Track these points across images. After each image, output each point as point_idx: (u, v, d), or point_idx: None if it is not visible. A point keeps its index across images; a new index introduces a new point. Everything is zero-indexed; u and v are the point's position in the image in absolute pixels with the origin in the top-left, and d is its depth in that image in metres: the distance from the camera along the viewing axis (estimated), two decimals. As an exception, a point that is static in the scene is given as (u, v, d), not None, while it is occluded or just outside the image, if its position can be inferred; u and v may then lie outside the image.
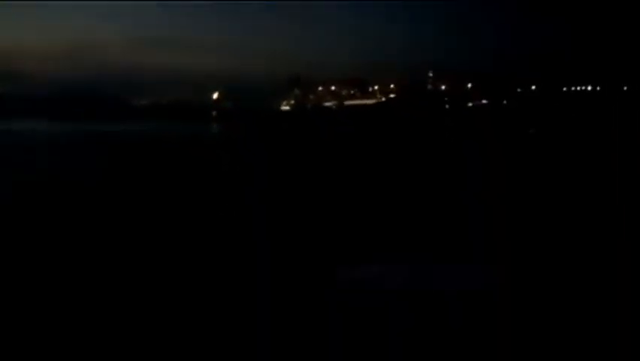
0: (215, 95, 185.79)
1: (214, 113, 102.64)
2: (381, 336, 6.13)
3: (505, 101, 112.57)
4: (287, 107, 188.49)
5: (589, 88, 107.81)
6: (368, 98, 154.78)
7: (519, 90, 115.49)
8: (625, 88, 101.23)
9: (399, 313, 6.41)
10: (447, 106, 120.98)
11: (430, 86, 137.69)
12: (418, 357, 5.98)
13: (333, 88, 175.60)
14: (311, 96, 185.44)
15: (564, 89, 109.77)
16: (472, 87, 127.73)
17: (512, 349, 5.87)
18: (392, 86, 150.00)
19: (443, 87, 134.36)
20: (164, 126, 57.55)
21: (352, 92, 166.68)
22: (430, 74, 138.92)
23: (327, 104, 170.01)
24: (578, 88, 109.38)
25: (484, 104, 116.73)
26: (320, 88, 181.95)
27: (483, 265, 7.69)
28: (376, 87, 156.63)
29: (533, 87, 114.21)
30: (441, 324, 6.29)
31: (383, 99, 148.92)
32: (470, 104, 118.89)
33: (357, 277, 7.22)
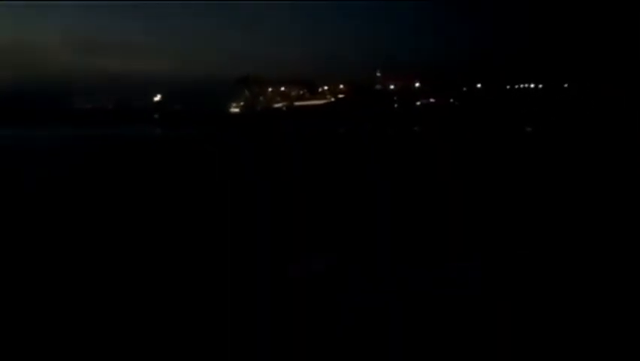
0: (156, 98, 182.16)
1: (156, 116, 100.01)
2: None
3: (451, 100, 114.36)
4: (237, 110, 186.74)
5: (532, 86, 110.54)
6: (317, 98, 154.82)
7: (464, 89, 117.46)
8: (565, 85, 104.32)
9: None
10: (395, 105, 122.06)
11: (378, 86, 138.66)
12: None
13: (282, 89, 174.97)
14: (261, 98, 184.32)
15: (507, 87, 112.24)
16: (420, 86, 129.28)
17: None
18: (341, 86, 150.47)
19: (392, 87, 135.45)
20: (109, 130, 55.88)
21: (302, 92, 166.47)
22: (378, 74, 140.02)
23: (277, 105, 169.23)
24: (522, 86, 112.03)
25: (432, 102, 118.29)
26: (270, 89, 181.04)
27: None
28: (326, 87, 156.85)
29: (478, 85, 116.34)
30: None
31: (332, 99, 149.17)
32: (418, 103, 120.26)
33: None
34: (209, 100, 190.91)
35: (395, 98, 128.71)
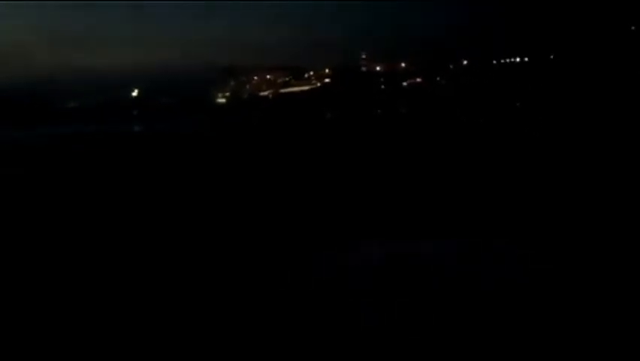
0: (134, 93, 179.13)
1: (135, 112, 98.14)
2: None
3: (438, 78, 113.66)
4: (223, 100, 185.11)
5: (517, 60, 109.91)
6: (303, 84, 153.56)
7: (451, 67, 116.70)
8: (551, 57, 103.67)
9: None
10: (382, 86, 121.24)
11: (364, 68, 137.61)
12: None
13: (268, 77, 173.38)
14: (247, 86, 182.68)
15: (494, 62, 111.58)
16: (405, 66, 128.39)
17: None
18: (327, 70, 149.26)
19: (378, 68, 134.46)
20: (98, 127, 54.80)
21: (287, 79, 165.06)
22: (363, 56, 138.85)
23: (264, 93, 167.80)
24: (508, 60, 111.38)
25: (419, 82, 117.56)
26: (255, 77, 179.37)
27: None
28: (311, 73, 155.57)
29: (465, 62, 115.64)
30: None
31: (318, 84, 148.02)
32: (405, 83, 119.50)
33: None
34: (195, 91, 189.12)
35: (381, 79, 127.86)
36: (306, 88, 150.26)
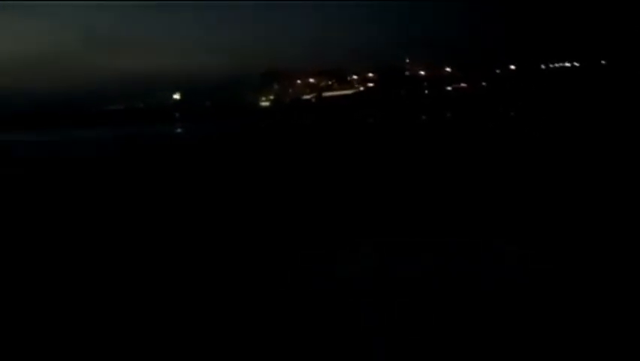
0: (176, 96, 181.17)
1: (177, 114, 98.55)
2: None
3: (483, 83, 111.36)
4: (266, 103, 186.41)
5: (567, 64, 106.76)
6: (346, 88, 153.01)
7: (497, 71, 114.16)
8: (603, 62, 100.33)
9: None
10: (426, 91, 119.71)
11: (407, 73, 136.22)
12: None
13: (311, 80, 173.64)
14: (290, 90, 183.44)
15: (542, 66, 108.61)
16: (450, 71, 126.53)
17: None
18: (370, 74, 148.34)
19: (422, 72, 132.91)
20: (144, 130, 55.53)
21: (330, 83, 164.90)
22: (407, 60, 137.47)
23: (306, 97, 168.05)
24: (557, 65, 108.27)
25: (464, 87, 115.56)
26: (298, 81, 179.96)
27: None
28: (354, 77, 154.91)
29: (512, 67, 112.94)
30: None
31: (361, 88, 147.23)
32: (449, 88, 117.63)
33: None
34: (238, 94, 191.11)
35: (425, 84, 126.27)
36: (349, 92, 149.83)
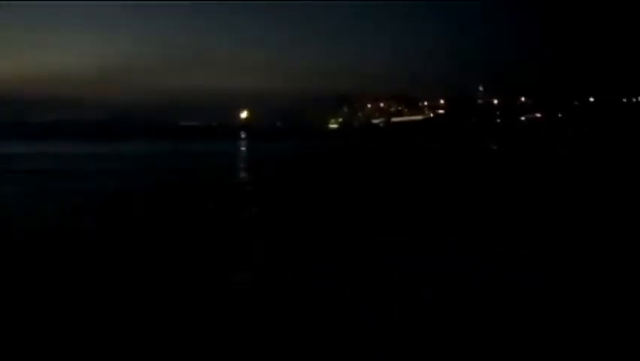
0: (243, 115, 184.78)
1: (243, 133, 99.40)
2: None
3: (560, 115, 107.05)
4: (335, 125, 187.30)
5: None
6: (416, 114, 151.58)
7: (575, 103, 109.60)
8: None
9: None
10: (498, 120, 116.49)
11: (480, 101, 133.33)
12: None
13: (381, 105, 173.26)
14: (359, 113, 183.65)
15: (624, 100, 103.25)
16: (525, 100, 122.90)
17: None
18: (441, 101, 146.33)
19: (495, 101, 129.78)
20: (214, 145, 56.56)
21: (400, 108, 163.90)
22: (481, 88, 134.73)
23: (375, 121, 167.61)
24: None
25: (538, 117, 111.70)
26: (369, 105, 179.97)
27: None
28: (425, 103, 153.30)
29: (591, 99, 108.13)
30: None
31: (431, 115, 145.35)
32: (523, 118, 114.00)
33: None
34: (306, 116, 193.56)
35: (498, 112, 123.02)
36: (418, 118, 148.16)
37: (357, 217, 12.54)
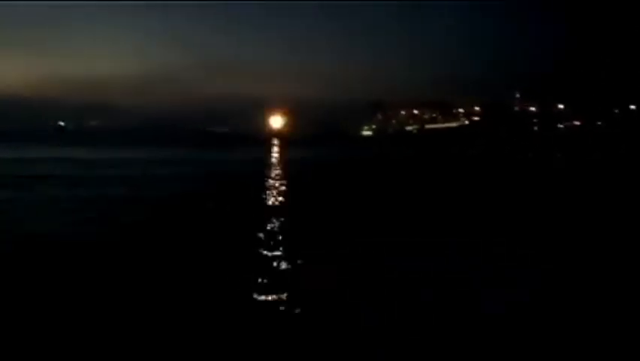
0: (276, 122, 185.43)
1: (275, 141, 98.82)
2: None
3: (599, 122, 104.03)
4: (369, 133, 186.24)
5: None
6: (450, 121, 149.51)
7: (616, 111, 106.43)
8: None
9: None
10: (535, 128, 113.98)
11: (516, 108, 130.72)
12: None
13: (415, 112, 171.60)
14: (393, 121, 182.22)
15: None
16: (563, 107, 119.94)
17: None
18: (477, 108, 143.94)
19: (532, 108, 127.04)
20: (244, 154, 56.56)
21: (434, 115, 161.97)
22: (517, 95, 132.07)
23: (409, 128, 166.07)
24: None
25: (577, 125, 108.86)
26: (402, 112, 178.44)
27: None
28: (460, 110, 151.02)
29: (632, 107, 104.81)
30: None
31: (466, 122, 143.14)
32: (561, 126, 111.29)
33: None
34: (339, 123, 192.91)
35: (534, 120, 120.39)
36: (453, 125, 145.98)
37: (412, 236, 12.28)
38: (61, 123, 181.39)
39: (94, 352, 5.80)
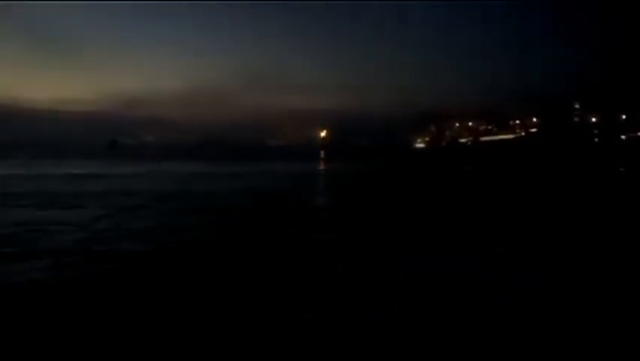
0: (322, 134, 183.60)
1: (322, 153, 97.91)
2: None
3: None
4: (422, 145, 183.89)
5: None
6: (506, 133, 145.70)
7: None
8: None
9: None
10: (596, 139, 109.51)
11: (576, 119, 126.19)
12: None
13: (470, 124, 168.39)
14: (447, 132, 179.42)
15: None
16: (626, 118, 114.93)
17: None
18: (534, 119, 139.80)
19: (593, 119, 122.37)
20: (294, 165, 56.35)
21: (489, 127, 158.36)
22: (577, 106, 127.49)
23: (463, 140, 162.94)
24: None
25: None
26: (457, 124, 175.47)
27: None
28: (517, 122, 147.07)
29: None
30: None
31: (523, 134, 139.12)
32: (624, 137, 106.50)
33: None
34: (392, 134, 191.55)
35: (596, 131, 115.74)
36: (509, 137, 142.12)
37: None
38: (116, 140, 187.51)
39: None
